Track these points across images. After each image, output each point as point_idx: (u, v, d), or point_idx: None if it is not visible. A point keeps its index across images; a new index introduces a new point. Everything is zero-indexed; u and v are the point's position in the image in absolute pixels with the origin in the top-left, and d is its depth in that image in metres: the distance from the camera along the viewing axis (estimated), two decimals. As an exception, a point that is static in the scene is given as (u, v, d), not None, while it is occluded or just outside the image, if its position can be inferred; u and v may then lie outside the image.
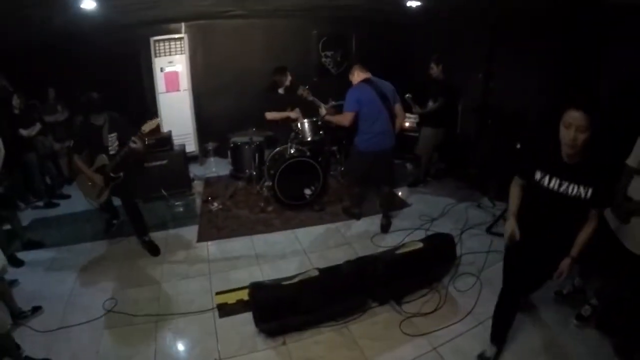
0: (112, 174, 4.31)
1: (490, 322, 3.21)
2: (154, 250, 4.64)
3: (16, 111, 5.41)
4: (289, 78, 5.92)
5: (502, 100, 5.99)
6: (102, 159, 4.27)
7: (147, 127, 4.14)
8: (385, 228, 5.07)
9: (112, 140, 4.28)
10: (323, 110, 5.16)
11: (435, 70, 5.94)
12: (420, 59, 6.33)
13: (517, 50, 5.73)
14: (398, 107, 4.76)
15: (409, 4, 5.68)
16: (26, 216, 5.55)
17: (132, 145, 4.10)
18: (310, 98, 5.11)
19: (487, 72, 6.35)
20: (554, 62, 5.06)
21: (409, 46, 7.98)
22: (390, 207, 5.33)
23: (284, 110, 5.86)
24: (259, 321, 3.31)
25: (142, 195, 5.95)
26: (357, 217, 5.42)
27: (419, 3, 5.67)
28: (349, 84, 4.75)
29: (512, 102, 5.74)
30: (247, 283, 3.59)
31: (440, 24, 7.14)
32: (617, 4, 3.98)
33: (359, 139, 4.69)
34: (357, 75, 4.67)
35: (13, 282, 3.99)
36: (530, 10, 5.23)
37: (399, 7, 6.05)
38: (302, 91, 5.19)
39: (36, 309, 3.62)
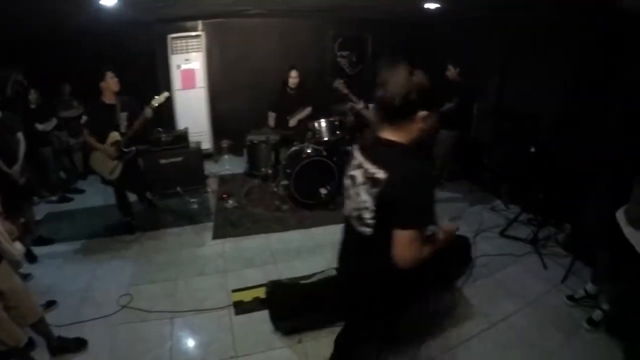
0: (124, 149, 4.54)
1: (502, 324, 3.33)
2: (130, 230, 4.94)
3: (32, 106, 5.44)
4: (293, 76, 5.93)
5: (517, 104, 5.95)
6: (115, 135, 4.48)
7: (156, 101, 4.50)
8: None
9: (123, 119, 4.53)
10: (360, 104, 5.11)
11: (452, 72, 5.88)
12: (436, 62, 6.28)
13: (532, 54, 5.69)
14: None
15: (426, 5, 5.63)
16: (40, 210, 5.56)
17: (145, 113, 4.44)
18: (346, 91, 5.09)
19: (503, 76, 6.30)
20: (569, 66, 5.00)
21: (426, 48, 7.93)
22: None
23: (291, 110, 5.88)
24: (276, 319, 3.29)
25: (158, 192, 5.98)
26: None
27: (437, 5, 5.62)
28: (364, 84, 4.75)
29: (526, 106, 5.68)
30: (262, 281, 3.60)
31: (457, 26, 7.09)
32: (632, 10, 3.92)
33: None
34: None
35: (27, 276, 4.00)
36: (546, 15, 5.18)
37: (416, 8, 6.00)
38: (338, 84, 5.17)
39: (51, 303, 3.61)
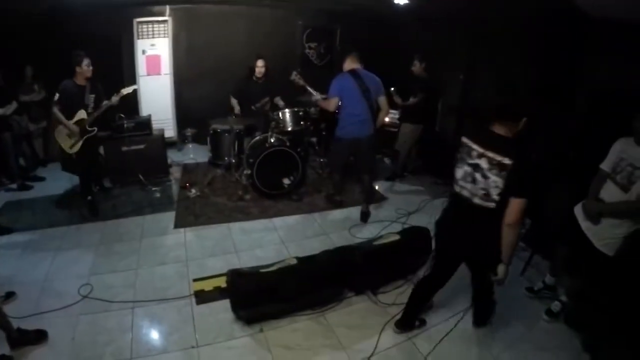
0: (87, 127, 4.87)
1: (463, 314, 3.41)
2: (93, 210, 5.11)
3: (-8, 88, 5.29)
4: (259, 65, 5.96)
5: (480, 101, 6.08)
6: (81, 113, 4.84)
7: (125, 90, 5.00)
8: (364, 216, 5.18)
9: (90, 100, 4.90)
10: (317, 96, 5.16)
11: (417, 67, 6.00)
12: (403, 57, 6.38)
13: (496, 53, 5.85)
14: (382, 100, 4.83)
15: (395, 0, 5.71)
16: (-1, 199, 5.43)
17: (113, 99, 4.91)
18: (302, 83, 5.13)
19: (467, 73, 6.45)
20: (532, 66, 5.16)
21: (393, 43, 8.00)
22: (371, 196, 5.43)
23: (258, 99, 5.90)
24: (236, 308, 3.34)
25: (119, 179, 5.92)
26: (339, 204, 5.54)
27: (405, 1, 5.69)
28: (331, 75, 4.83)
29: (490, 103, 5.83)
30: (224, 270, 3.61)
31: (424, 24, 7.18)
32: (591, 15, 4.10)
33: (338, 127, 4.86)
34: (347, 64, 4.80)
35: (-16, 267, 3.93)
36: (509, 17, 5.32)
37: (384, 3, 6.07)
38: (294, 76, 5.20)
39: (10, 295, 3.54)
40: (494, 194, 2.51)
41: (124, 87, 4.97)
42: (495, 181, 2.48)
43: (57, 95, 4.73)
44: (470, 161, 2.62)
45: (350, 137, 4.77)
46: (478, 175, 2.57)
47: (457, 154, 2.76)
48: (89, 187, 5.22)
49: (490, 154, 2.50)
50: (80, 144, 4.89)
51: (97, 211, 5.11)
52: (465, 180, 2.67)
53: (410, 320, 3.35)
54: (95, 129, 4.96)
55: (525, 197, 2.45)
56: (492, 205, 2.54)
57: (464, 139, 2.70)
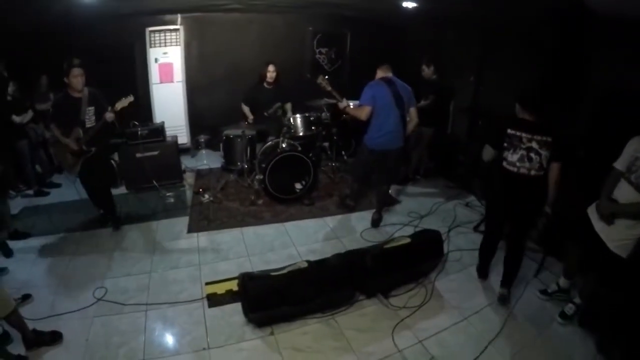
0: (84, 147, 4.42)
1: (475, 317, 3.46)
2: (116, 223, 4.93)
3: (9, 97, 5.39)
4: (270, 70, 5.99)
5: (492, 103, 6.06)
6: (77, 132, 4.38)
7: (120, 104, 4.39)
8: (376, 223, 5.14)
9: (89, 114, 4.43)
10: (344, 102, 5.13)
11: (427, 71, 6.03)
12: (414, 60, 6.39)
13: (507, 54, 5.83)
14: (412, 111, 4.77)
15: (404, 4, 5.71)
16: (16, 204, 5.52)
17: (106, 117, 4.34)
18: (329, 88, 5.15)
19: (478, 75, 6.43)
20: (544, 66, 5.12)
21: (403, 47, 8.03)
22: (386, 204, 5.41)
23: (269, 105, 5.93)
24: (247, 311, 3.37)
25: (135, 186, 6.00)
26: (351, 209, 5.53)
27: (415, 4, 5.70)
28: (342, 81, 4.81)
29: (502, 105, 5.80)
30: (236, 274, 3.64)
31: (435, 26, 7.19)
32: (603, 15, 4.07)
33: (368, 137, 4.73)
34: (379, 73, 4.74)
35: (2, 270, 4.02)
36: (520, 18, 5.31)
37: (394, 7, 6.08)
38: (322, 80, 5.21)
39: (26, 297, 3.61)
40: (545, 164, 3.35)
41: (133, 95, 4.53)
42: (546, 155, 3.33)
43: (51, 110, 4.53)
44: (524, 146, 3.38)
45: (380, 149, 4.68)
46: (532, 154, 3.36)
47: (504, 144, 3.48)
48: (105, 204, 4.97)
49: (538, 137, 3.33)
50: (79, 165, 4.53)
51: (106, 223, 4.98)
52: (522, 162, 3.41)
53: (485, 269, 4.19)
54: (93, 149, 4.50)
55: (563, 161, 3.34)
56: (542, 173, 3.38)
57: (510, 131, 3.44)
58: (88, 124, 4.43)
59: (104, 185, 4.88)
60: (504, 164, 3.52)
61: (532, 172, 3.39)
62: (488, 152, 3.72)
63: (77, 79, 4.24)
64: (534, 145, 3.34)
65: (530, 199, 3.50)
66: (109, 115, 4.35)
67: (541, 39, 5.17)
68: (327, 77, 5.15)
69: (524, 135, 3.37)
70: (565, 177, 4.33)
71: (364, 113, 4.58)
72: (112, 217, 4.98)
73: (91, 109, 4.44)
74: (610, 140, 3.23)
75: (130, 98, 4.46)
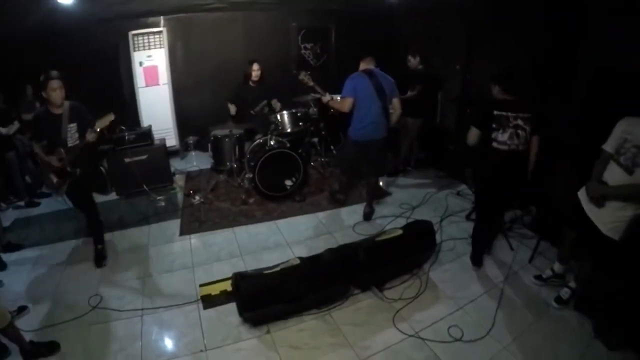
0: (68, 169, 3.98)
1: (470, 306, 3.51)
2: (99, 259, 4.37)
3: (-6, 109, 5.34)
4: (255, 69, 5.97)
5: (480, 91, 6.06)
6: (60, 152, 3.90)
7: (100, 124, 3.88)
8: (368, 216, 5.17)
9: (71, 131, 3.95)
10: (327, 96, 5.13)
11: (413, 62, 6.04)
12: (399, 52, 6.40)
13: (494, 42, 5.82)
14: (395, 101, 4.81)
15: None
16: (8, 216, 5.50)
17: (88, 137, 3.85)
18: (311, 83, 5.13)
19: (465, 64, 6.44)
20: (531, 54, 5.14)
21: (389, 39, 8.03)
22: (376, 197, 5.44)
23: (256, 103, 5.92)
24: (242, 311, 3.38)
25: (125, 192, 5.98)
26: (342, 203, 5.56)
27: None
28: (328, 76, 4.82)
29: (490, 93, 5.83)
30: (230, 274, 3.64)
31: (419, 17, 7.19)
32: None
33: (352, 129, 4.78)
34: (362, 66, 4.77)
35: (-4, 283, 4.00)
36: (506, 6, 5.33)
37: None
38: (304, 76, 5.19)
39: (22, 309, 3.60)
40: (527, 138, 3.70)
41: (119, 100, 4.11)
42: (529, 131, 3.67)
43: (32, 125, 4.10)
44: (511, 124, 3.65)
45: (363, 140, 4.72)
46: (520, 131, 3.65)
47: (491, 125, 3.70)
48: (94, 229, 4.48)
49: (521, 114, 3.64)
50: (64, 187, 4.08)
51: (102, 262, 4.39)
52: (512, 139, 3.67)
53: (479, 257, 4.24)
54: (77, 170, 4.05)
55: (542, 134, 3.72)
56: (527, 147, 3.72)
57: (497, 112, 3.68)
58: (70, 143, 3.94)
59: (94, 212, 4.39)
60: (494, 144, 3.73)
61: (521, 147, 3.70)
62: (473, 134, 3.84)
63: (55, 92, 3.74)
64: (520, 122, 3.65)
65: (518, 173, 3.83)
66: (91, 136, 3.85)
67: (529, 22, 5.17)
68: (309, 72, 5.14)
69: (510, 114, 3.65)
70: (558, 162, 4.42)
71: (346, 105, 4.63)
72: (96, 245, 4.45)
73: (73, 125, 3.94)
74: (602, 124, 3.22)
75: (111, 116, 3.97)
